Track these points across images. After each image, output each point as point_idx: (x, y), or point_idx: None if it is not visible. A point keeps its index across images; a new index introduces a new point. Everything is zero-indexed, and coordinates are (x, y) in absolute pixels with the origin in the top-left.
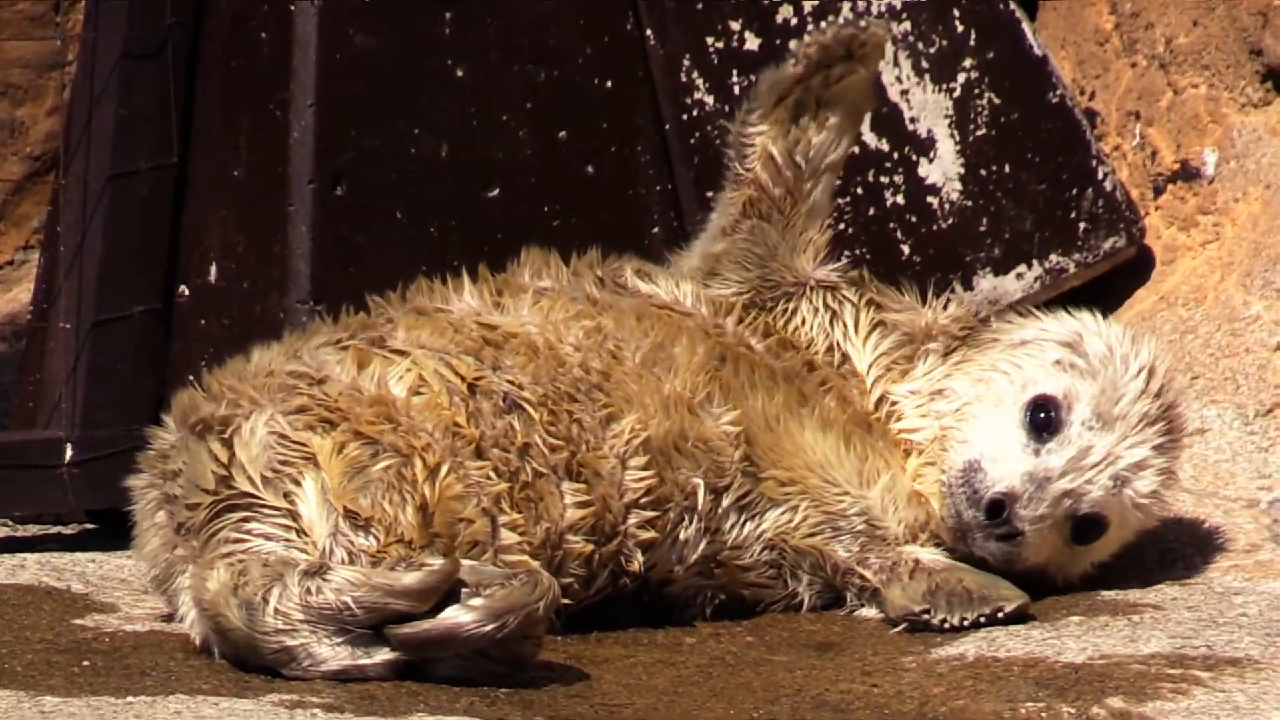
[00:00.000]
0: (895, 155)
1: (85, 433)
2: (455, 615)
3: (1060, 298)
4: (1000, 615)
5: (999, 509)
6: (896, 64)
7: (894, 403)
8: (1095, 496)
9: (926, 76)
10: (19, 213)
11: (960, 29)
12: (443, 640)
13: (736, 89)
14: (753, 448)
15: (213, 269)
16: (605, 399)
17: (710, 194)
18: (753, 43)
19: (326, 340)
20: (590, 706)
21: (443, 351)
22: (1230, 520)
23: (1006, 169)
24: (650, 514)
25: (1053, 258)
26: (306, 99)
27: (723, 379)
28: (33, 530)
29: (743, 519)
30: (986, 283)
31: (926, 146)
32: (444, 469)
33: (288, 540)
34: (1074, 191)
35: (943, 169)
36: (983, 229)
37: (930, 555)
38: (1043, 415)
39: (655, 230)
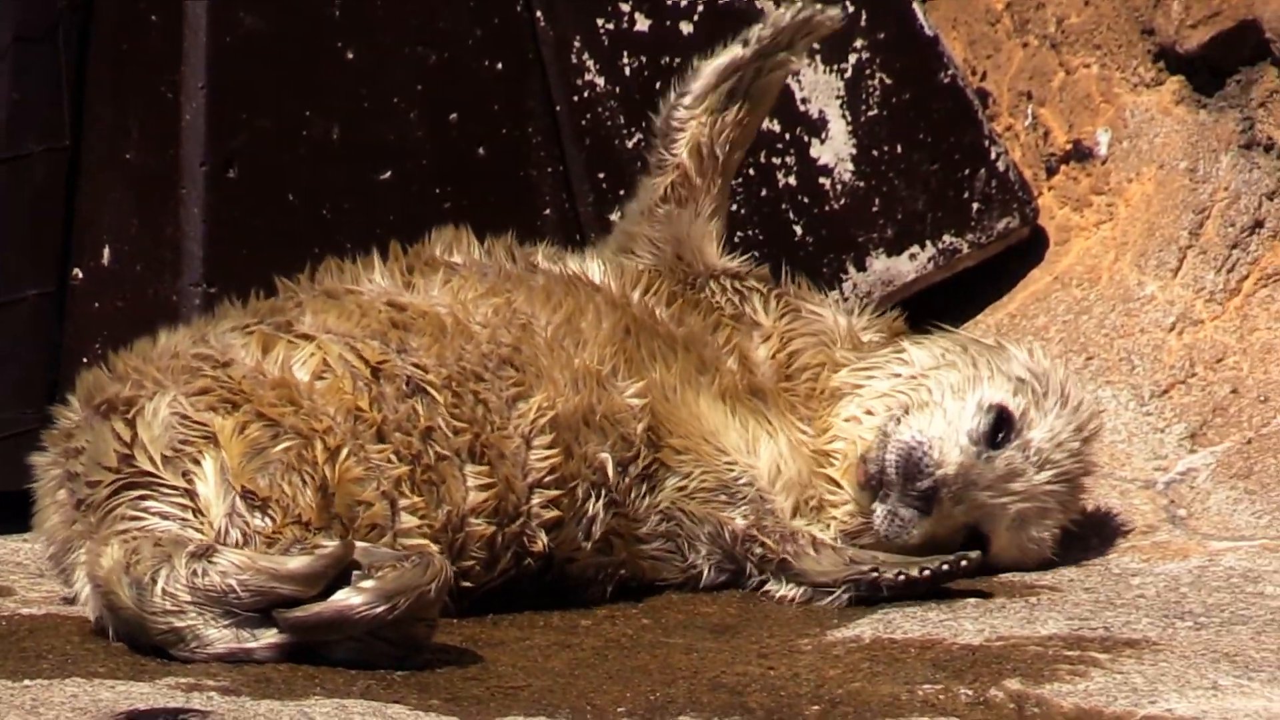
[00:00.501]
0: (787, 136)
1: None
2: (346, 598)
3: (954, 278)
4: (964, 564)
5: (933, 490)
6: None
7: (829, 359)
8: (997, 520)
9: (817, 58)
10: None
11: (851, 9)
12: (334, 623)
13: (627, 70)
14: (655, 418)
15: (106, 252)
16: (515, 375)
17: (602, 175)
18: (643, 23)
19: (233, 325)
20: (486, 689)
21: (348, 336)
22: (1127, 501)
23: (898, 149)
24: (554, 493)
25: (946, 238)
26: (197, 81)
27: (628, 351)
28: None
29: (644, 489)
30: (879, 263)
31: (818, 127)
32: (344, 452)
33: (184, 519)
34: (966, 172)
35: (835, 150)
36: (875, 210)
37: (823, 533)
38: (999, 426)
39: (547, 212)
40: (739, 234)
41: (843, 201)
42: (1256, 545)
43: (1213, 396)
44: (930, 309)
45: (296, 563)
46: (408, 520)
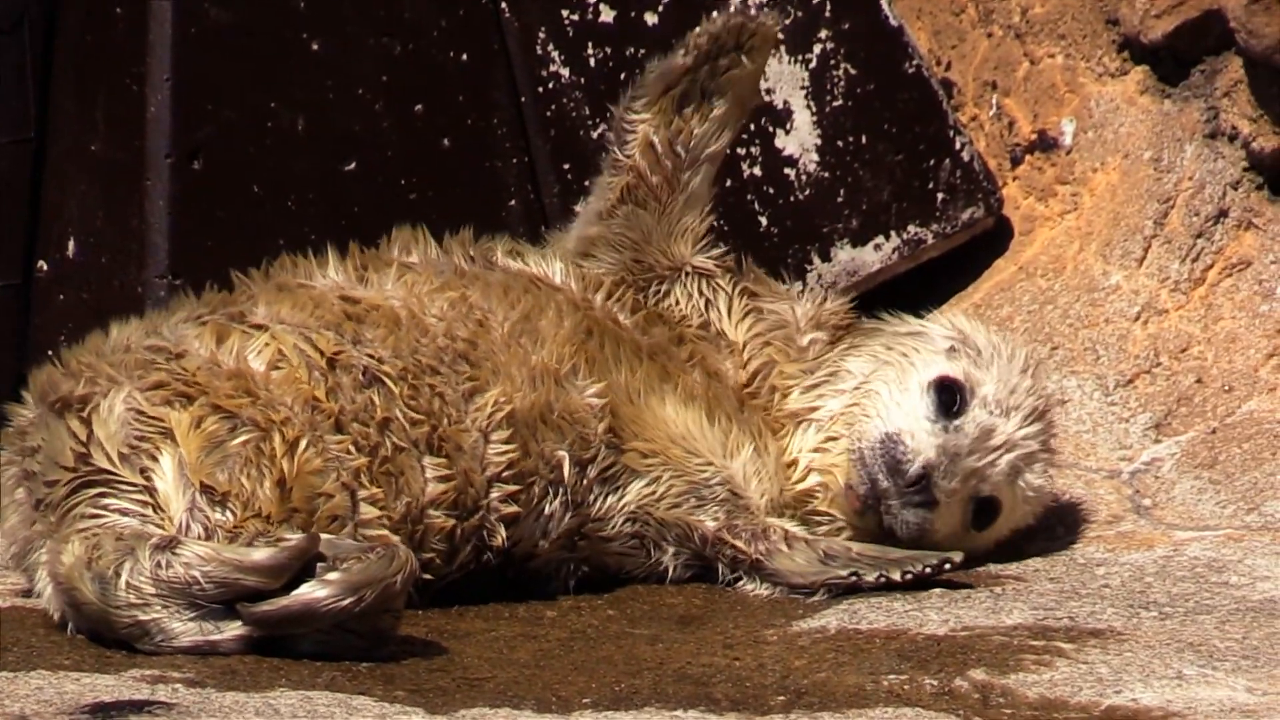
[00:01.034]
0: (752, 127)
1: None
2: (311, 590)
3: (919, 269)
4: (946, 566)
5: (923, 478)
6: None
7: (783, 380)
8: (996, 479)
9: (782, 48)
10: None
11: (816, 0)
12: (300, 616)
13: (592, 61)
14: (616, 420)
15: (71, 244)
16: (470, 370)
17: (567, 166)
18: (608, 15)
19: (186, 316)
20: (452, 680)
21: (302, 326)
22: (1092, 491)
23: (863, 140)
24: (513, 488)
25: (911, 229)
26: (163, 73)
27: (589, 352)
28: None
29: (606, 491)
30: (844, 254)
31: (783, 118)
32: (303, 443)
33: (144, 516)
34: (931, 162)
35: (800, 140)
36: (840, 200)
37: (796, 528)
38: (948, 395)
39: (512, 203)
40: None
41: (808, 192)
42: (1221, 535)
43: (1177, 386)
44: (895, 299)
45: (261, 554)
46: (368, 512)
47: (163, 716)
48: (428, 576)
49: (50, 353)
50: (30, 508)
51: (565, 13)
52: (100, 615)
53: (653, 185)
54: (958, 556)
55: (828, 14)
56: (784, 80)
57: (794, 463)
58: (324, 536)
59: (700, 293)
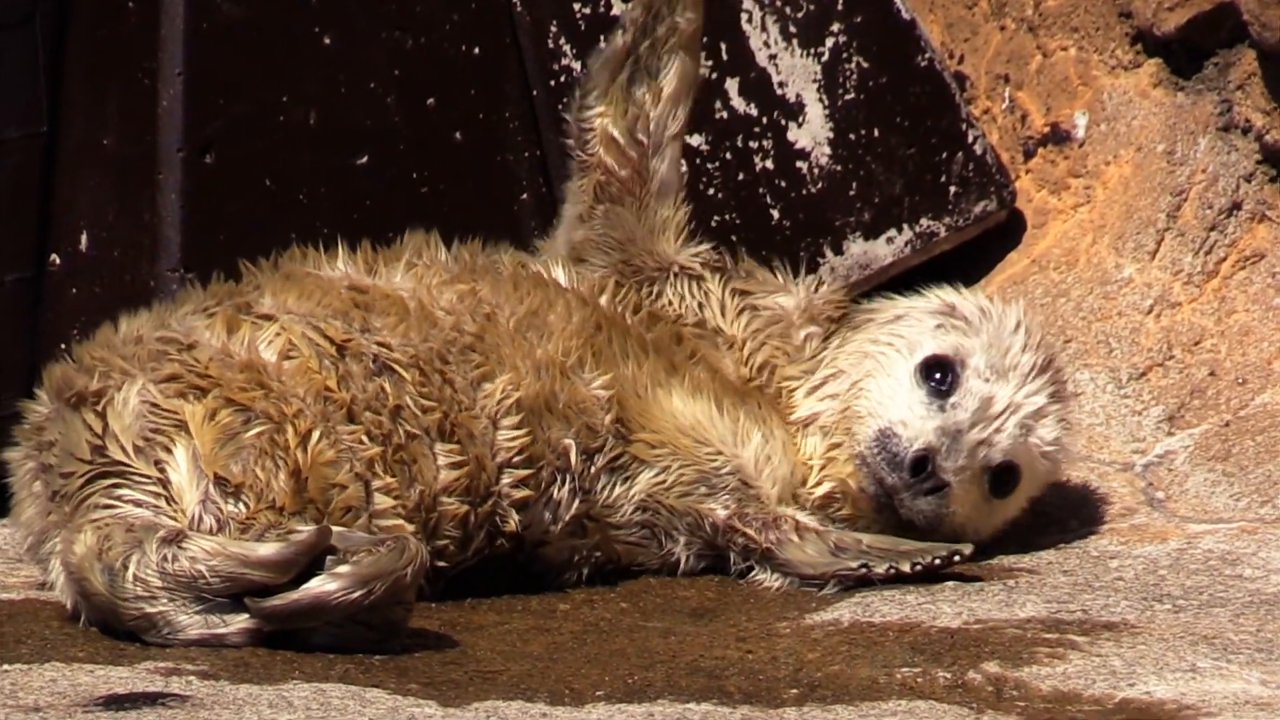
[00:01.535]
0: (764, 120)
1: None
2: (321, 584)
3: (931, 262)
4: (955, 558)
5: (922, 465)
6: (764, 29)
7: (784, 381)
8: (1006, 445)
9: (794, 41)
10: None
11: None
12: (310, 610)
13: None
14: (624, 411)
15: (84, 237)
16: (478, 359)
17: None
18: (619, 7)
19: (194, 307)
20: (465, 673)
21: (309, 315)
22: (1105, 484)
23: (876, 133)
24: (524, 473)
25: (923, 222)
26: (175, 67)
27: (596, 345)
28: None
29: (614, 480)
30: (857, 247)
31: (795, 111)
32: (316, 434)
33: (157, 508)
34: (944, 155)
35: (812, 133)
36: (852, 193)
37: (807, 517)
38: (938, 374)
39: (524, 197)
40: (716, 218)
41: (820, 185)
42: (1235, 528)
43: (1190, 379)
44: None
45: (267, 549)
46: (382, 501)
47: (176, 709)
48: (442, 564)
49: (62, 346)
50: (46, 499)
51: (577, 6)
52: (109, 606)
53: (623, 179)
54: (967, 549)
55: (840, 7)
56: (796, 73)
57: (809, 469)
58: (334, 529)
59: (691, 294)
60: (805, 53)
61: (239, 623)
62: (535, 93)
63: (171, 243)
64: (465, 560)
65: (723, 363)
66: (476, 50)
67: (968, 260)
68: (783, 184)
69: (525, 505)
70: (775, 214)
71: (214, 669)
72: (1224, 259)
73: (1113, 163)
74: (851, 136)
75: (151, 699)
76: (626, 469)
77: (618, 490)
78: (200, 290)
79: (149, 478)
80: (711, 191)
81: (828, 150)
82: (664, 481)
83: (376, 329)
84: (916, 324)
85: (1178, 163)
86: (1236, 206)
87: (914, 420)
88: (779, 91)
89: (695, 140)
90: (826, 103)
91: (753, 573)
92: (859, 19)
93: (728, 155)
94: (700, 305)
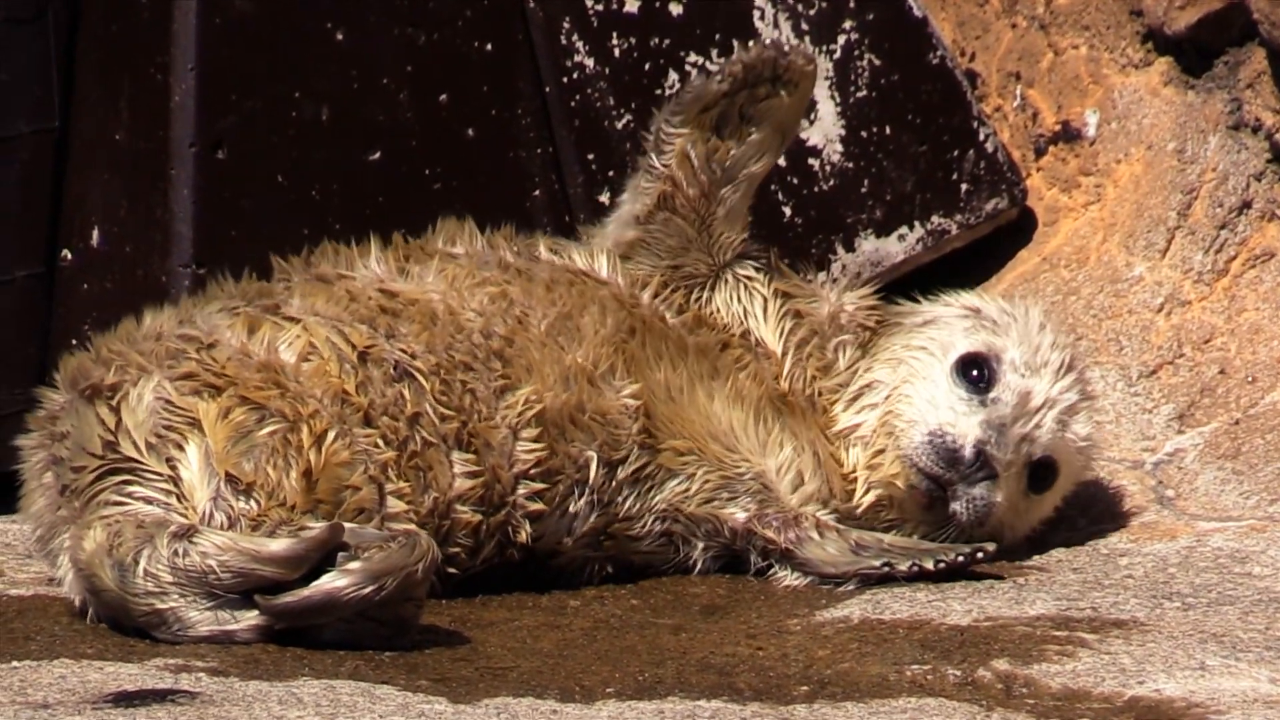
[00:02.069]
0: None
1: None
2: (333, 580)
3: (942, 259)
4: (979, 555)
5: (979, 455)
6: (777, 25)
7: (824, 396)
8: (1046, 440)
9: (807, 38)
10: None
11: None
12: (322, 606)
13: (617, 51)
14: (651, 420)
15: (95, 233)
16: (504, 368)
17: (591, 156)
18: (632, 4)
19: (221, 306)
20: (475, 670)
21: (336, 320)
22: (1115, 482)
23: (887, 130)
24: (539, 485)
25: (934, 219)
26: (187, 63)
27: (629, 351)
28: None
29: (637, 491)
30: (868, 244)
31: (807, 108)
32: (330, 435)
33: (168, 505)
34: (955, 153)
35: (824, 131)
36: (864, 190)
37: (828, 516)
38: (975, 371)
39: (536, 193)
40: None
41: (832, 183)
42: (1244, 526)
43: (1201, 377)
44: (919, 290)
45: (279, 545)
46: (395, 505)
47: (186, 705)
48: (452, 570)
49: (76, 341)
50: (56, 492)
51: (590, 3)
52: (119, 602)
53: (689, 197)
54: (991, 546)
55: (852, 5)
56: None
57: (854, 480)
58: (346, 525)
59: (739, 300)
60: (817, 50)
61: (249, 619)
62: (548, 89)
63: (183, 238)
64: (475, 567)
65: (767, 374)
66: (489, 46)
67: (978, 258)
68: (794, 181)
69: (539, 517)
70: (787, 211)
71: (224, 665)
72: (1234, 257)
73: (1123, 161)
74: (863, 134)
75: (161, 696)
76: (651, 479)
77: (640, 502)
78: (231, 285)
79: (160, 475)
80: None
81: (839, 147)
82: (688, 489)
83: (402, 335)
84: (946, 327)
85: (1188, 161)
86: (1247, 205)
87: (959, 419)
88: None
89: None
90: (838, 100)
91: (771, 571)
92: (871, 16)
93: None
94: (745, 312)
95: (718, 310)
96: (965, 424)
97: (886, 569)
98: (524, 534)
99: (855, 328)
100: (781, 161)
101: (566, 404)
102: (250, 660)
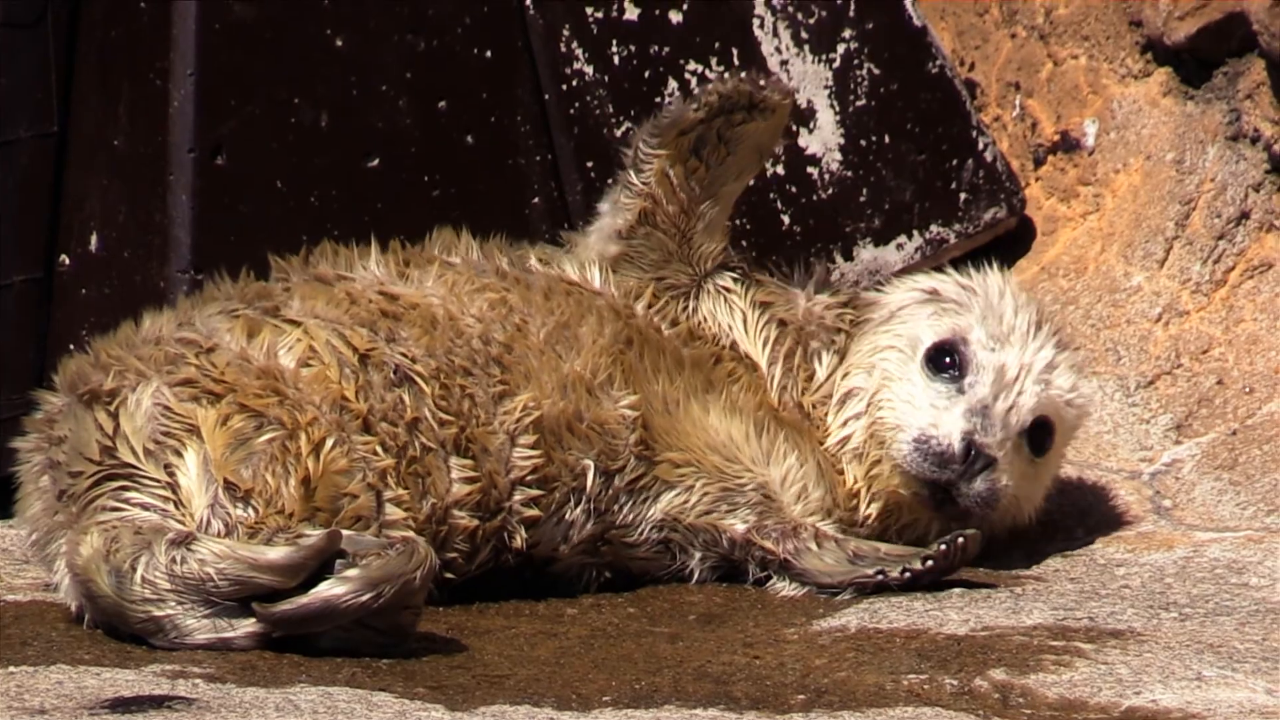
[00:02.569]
0: None
1: None
2: (331, 587)
3: (940, 269)
4: (961, 543)
5: (969, 450)
6: (776, 34)
7: (812, 410)
8: (1031, 404)
9: (806, 47)
10: None
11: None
12: (320, 614)
13: (616, 59)
14: (649, 431)
15: (94, 238)
16: (502, 374)
17: (590, 164)
18: (632, 12)
19: (220, 308)
20: (472, 677)
21: (336, 322)
22: (1112, 492)
23: (886, 139)
24: (535, 492)
25: (933, 228)
26: (186, 68)
27: (627, 362)
28: None
29: (634, 501)
30: (867, 253)
31: (806, 117)
32: (329, 443)
33: (165, 511)
34: (954, 162)
35: (823, 139)
36: (863, 199)
37: (827, 525)
38: (947, 359)
39: (535, 200)
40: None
41: (830, 191)
42: (1241, 536)
43: (1198, 388)
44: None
45: (276, 553)
46: (393, 512)
47: (182, 712)
48: (448, 575)
49: (74, 346)
50: (53, 497)
51: (589, 10)
52: (115, 609)
53: (669, 213)
54: (971, 533)
55: (852, 14)
56: (807, 79)
57: (857, 493)
58: (344, 533)
59: (723, 313)
60: (817, 59)
61: (246, 627)
62: (547, 96)
63: (182, 244)
64: (470, 573)
65: (759, 386)
66: (488, 53)
67: (977, 267)
68: (793, 190)
69: (535, 524)
70: (786, 220)
71: (220, 672)
72: (1232, 268)
73: (1122, 171)
74: (862, 143)
75: (158, 702)
76: (647, 490)
77: (637, 511)
78: (230, 287)
79: (158, 481)
80: None
81: (838, 156)
82: (686, 501)
83: (402, 339)
84: (910, 318)
85: (1186, 171)
86: (1245, 216)
87: (941, 416)
88: None
89: None
90: (837, 109)
91: (769, 580)
92: (870, 25)
93: None
94: (730, 327)
95: (704, 321)
96: (948, 420)
97: (880, 576)
98: (519, 540)
99: (828, 331)
100: (780, 170)
101: (564, 412)
102: (247, 667)
